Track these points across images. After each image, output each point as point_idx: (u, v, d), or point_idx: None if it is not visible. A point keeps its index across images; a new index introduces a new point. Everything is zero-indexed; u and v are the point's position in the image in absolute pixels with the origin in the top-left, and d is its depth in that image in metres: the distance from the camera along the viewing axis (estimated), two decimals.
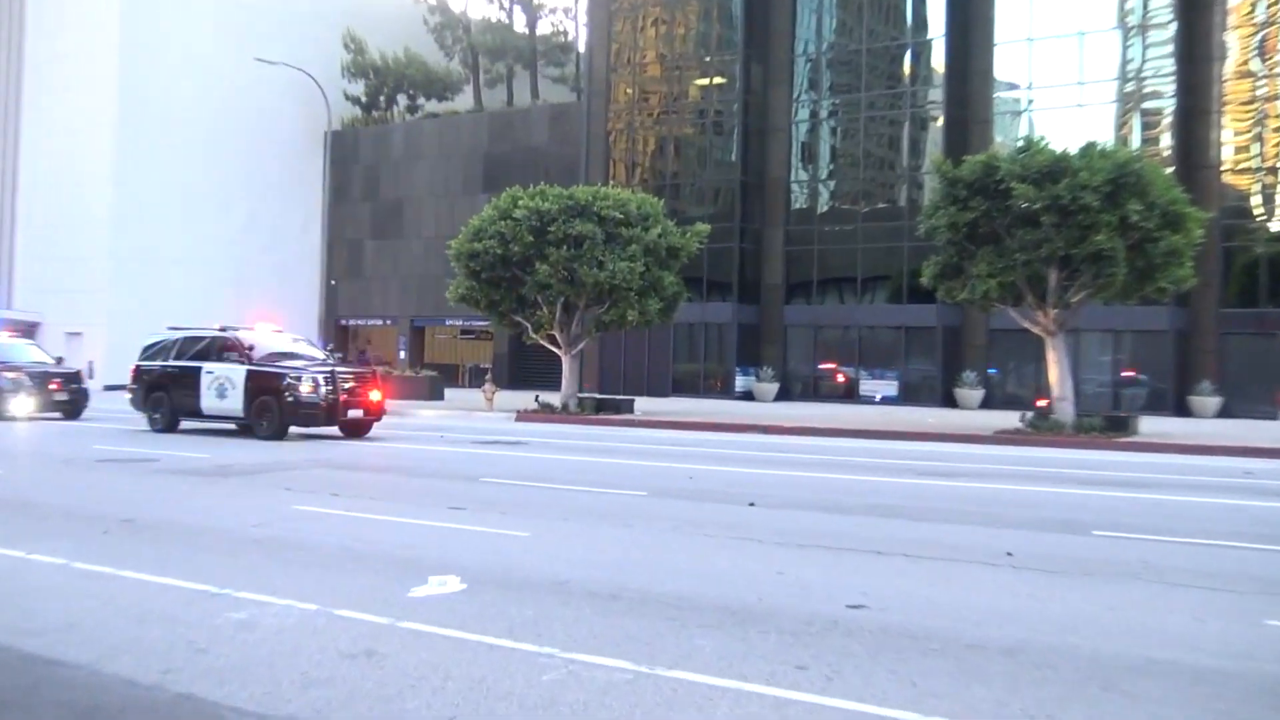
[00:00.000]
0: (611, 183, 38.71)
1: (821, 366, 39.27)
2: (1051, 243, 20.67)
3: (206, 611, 5.97)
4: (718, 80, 41.39)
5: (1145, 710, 4.58)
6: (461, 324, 48.46)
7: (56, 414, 23.65)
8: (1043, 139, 22.23)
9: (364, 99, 54.14)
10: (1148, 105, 34.58)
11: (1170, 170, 28.01)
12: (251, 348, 19.74)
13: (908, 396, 36.74)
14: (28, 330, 42.06)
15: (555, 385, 29.97)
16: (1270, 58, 33.36)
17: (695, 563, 7.73)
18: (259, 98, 49.22)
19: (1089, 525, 9.83)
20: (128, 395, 21.31)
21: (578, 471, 14.21)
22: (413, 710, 4.42)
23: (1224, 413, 31.98)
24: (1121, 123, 34.37)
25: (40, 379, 23.50)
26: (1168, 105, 34.12)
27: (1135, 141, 33.33)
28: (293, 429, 19.39)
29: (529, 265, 26.35)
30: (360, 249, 51.83)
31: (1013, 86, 36.63)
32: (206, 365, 19.71)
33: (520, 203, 26.43)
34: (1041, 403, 22.45)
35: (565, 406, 27.51)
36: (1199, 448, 19.84)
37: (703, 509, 10.73)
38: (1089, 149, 21.27)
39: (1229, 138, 33.86)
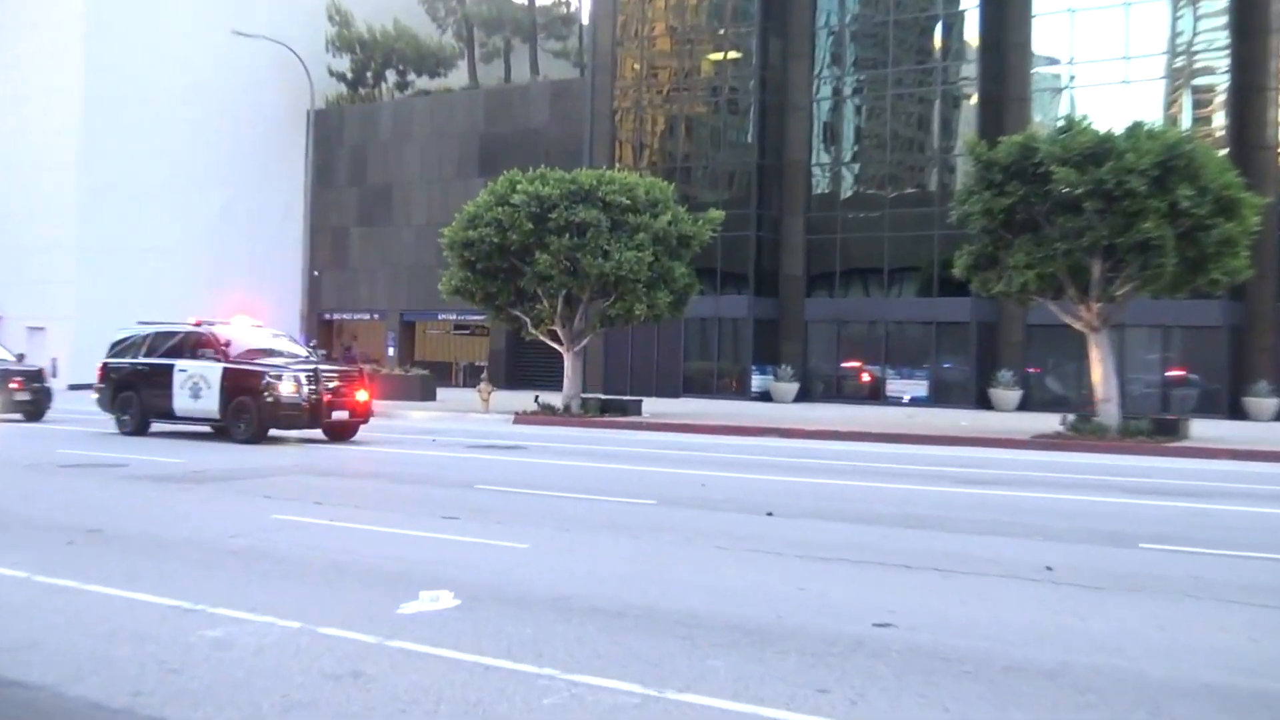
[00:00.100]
0: (617, 166, 38.65)
1: (845, 365, 39.23)
2: (1095, 231, 20.64)
3: (179, 629, 5.98)
4: (733, 54, 41.38)
5: None
6: (455, 319, 48.51)
7: (17, 415, 23.73)
8: (1085, 118, 22.19)
9: (350, 75, 54.24)
10: (1199, 82, 34.47)
11: (1224, 152, 27.95)
12: (228, 344, 19.80)
13: (938, 397, 36.68)
14: None
15: (556, 385, 29.99)
16: None
17: (708, 577, 7.73)
18: (237, 74, 49.30)
19: (1135, 537, 9.83)
20: (94, 395, 21.37)
21: (580, 478, 14.23)
22: None
23: None
24: (1171, 101, 34.28)
25: (0, 378, 23.59)
26: (1221, 81, 34.02)
27: (1186, 121, 33.24)
28: (273, 432, 19.46)
29: (528, 255, 26.37)
30: (346, 237, 51.94)
31: (1052, 61, 36.53)
32: (180, 363, 19.75)
33: (519, 187, 26.44)
34: (1095, 401, 22.33)
35: (567, 408, 27.55)
36: (1255, 453, 19.79)
37: (716, 519, 10.74)
38: (1135, 129, 21.24)
39: None
